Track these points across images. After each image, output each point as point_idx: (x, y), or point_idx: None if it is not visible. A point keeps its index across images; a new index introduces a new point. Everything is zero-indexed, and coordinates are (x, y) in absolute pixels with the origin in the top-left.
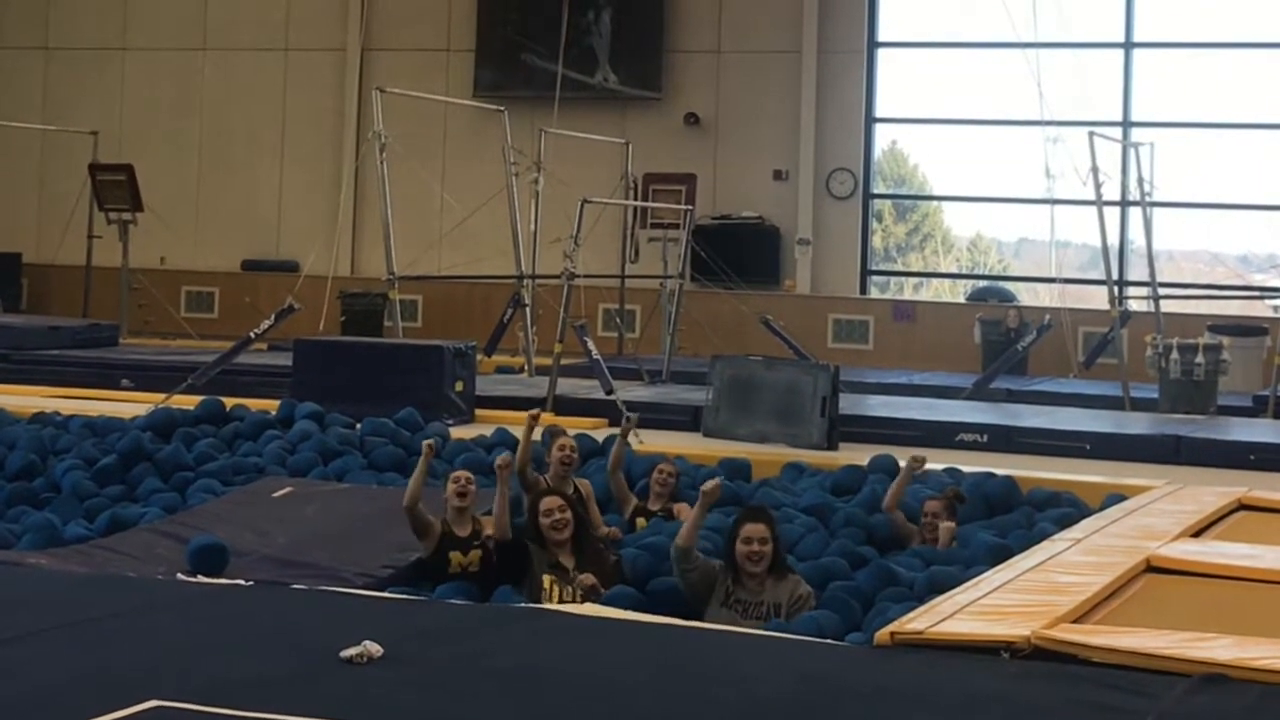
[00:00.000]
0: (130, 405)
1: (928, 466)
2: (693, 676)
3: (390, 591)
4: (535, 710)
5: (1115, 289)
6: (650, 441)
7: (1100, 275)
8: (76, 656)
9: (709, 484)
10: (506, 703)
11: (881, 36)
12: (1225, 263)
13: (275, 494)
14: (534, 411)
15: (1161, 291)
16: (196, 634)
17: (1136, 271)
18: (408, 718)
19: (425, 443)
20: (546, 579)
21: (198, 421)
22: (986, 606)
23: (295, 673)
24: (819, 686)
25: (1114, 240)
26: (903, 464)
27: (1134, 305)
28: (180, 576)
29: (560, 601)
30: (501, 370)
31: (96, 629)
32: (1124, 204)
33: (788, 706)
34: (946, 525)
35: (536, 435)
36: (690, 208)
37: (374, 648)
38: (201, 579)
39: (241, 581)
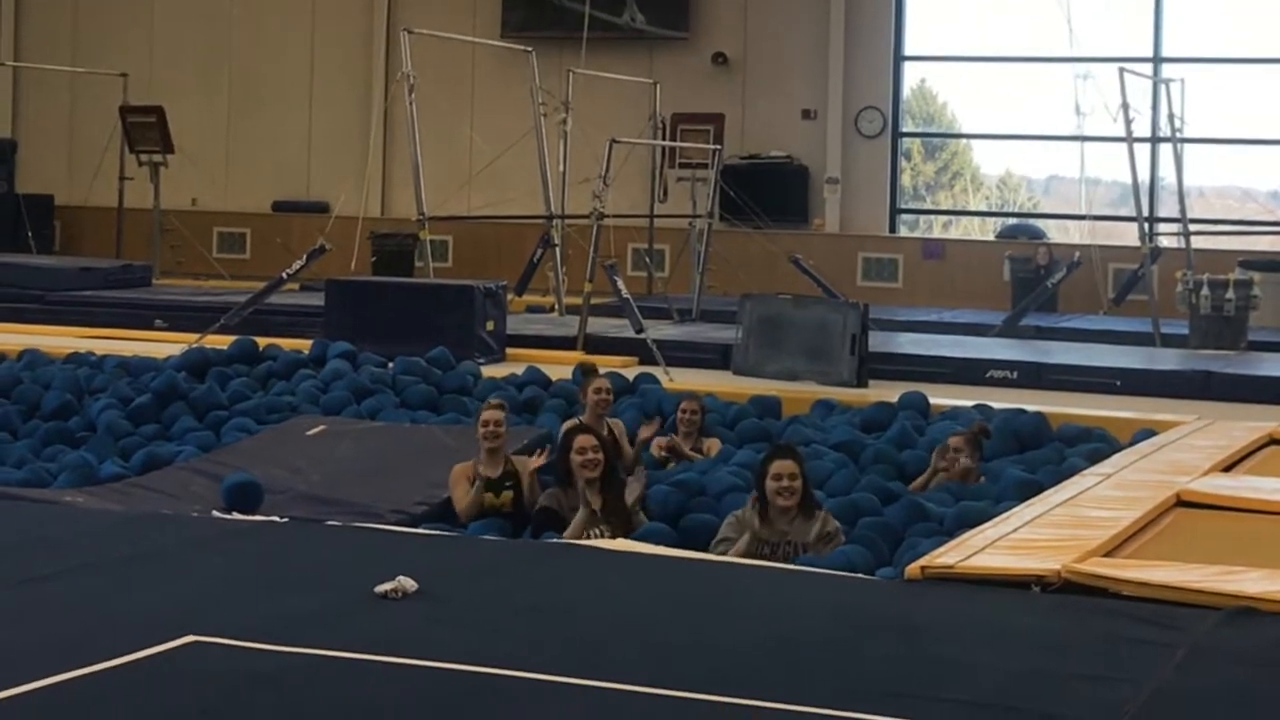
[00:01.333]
0: (164, 345)
1: (956, 403)
2: (724, 611)
3: (424, 528)
4: (568, 644)
5: (1146, 225)
6: (680, 380)
7: (1130, 212)
8: (113, 593)
9: None
10: (540, 637)
11: None
12: (1256, 198)
13: (309, 432)
14: None
15: (1192, 228)
16: (232, 571)
17: (1167, 208)
18: (442, 652)
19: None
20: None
21: (231, 361)
22: (1017, 541)
23: (330, 608)
24: (850, 620)
25: (1144, 177)
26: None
27: (1164, 242)
28: (215, 514)
29: None
30: (532, 310)
31: (133, 566)
32: (1154, 140)
33: (819, 640)
34: (964, 465)
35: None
36: (719, 147)
37: (408, 583)
38: (237, 516)
39: (276, 518)
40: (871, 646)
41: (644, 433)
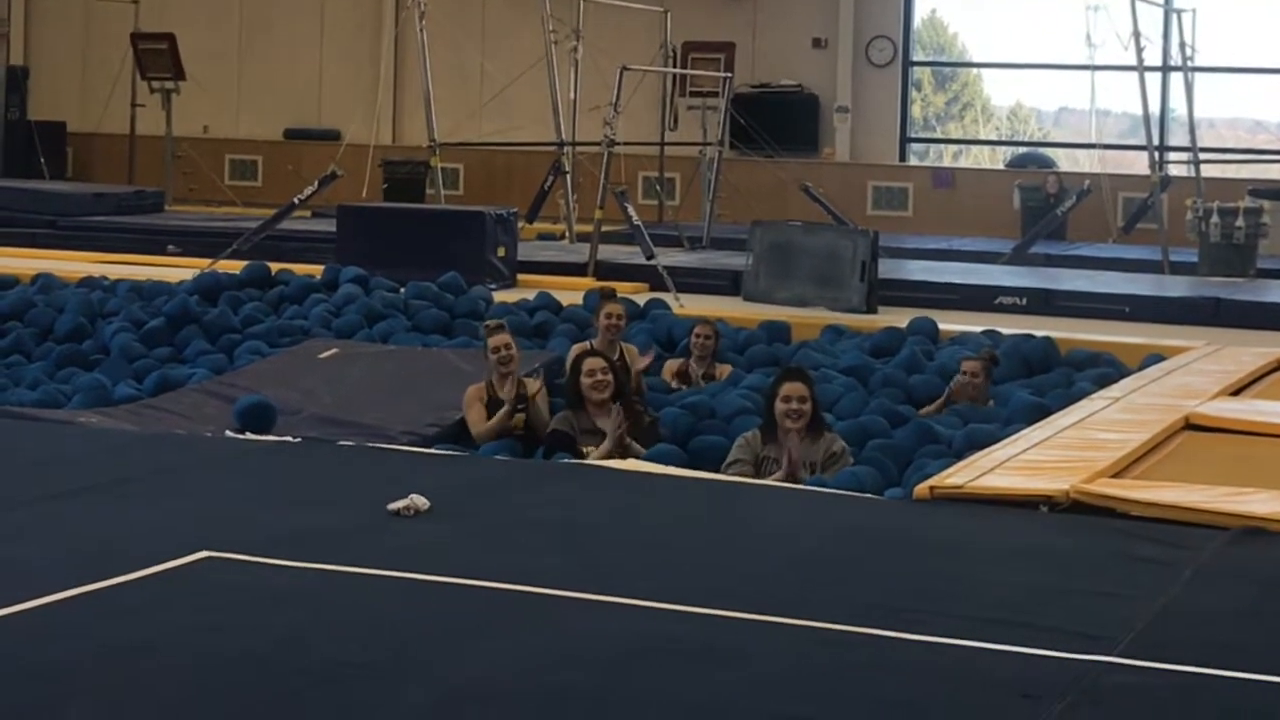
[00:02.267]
0: (176, 270)
1: (965, 329)
2: (734, 528)
3: (436, 449)
4: (579, 560)
5: (1156, 154)
6: (691, 306)
7: (1140, 143)
8: (128, 510)
9: None
10: (551, 553)
11: None
12: (1267, 128)
13: (321, 355)
14: None
15: (1202, 156)
16: (246, 489)
17: (1177, 139)
18: (455, 568)
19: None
20: (586, 447)
21: (243, 285)
22: (1025, 462)
23: (343, 526)
24: (858, 538)
25: (1155, 107)
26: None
27: (1174, 171)
28: (229, 434)
29: None
30: (543, 237)
31: (147, 484)
32: (1165, 69)
33: (828, 557)
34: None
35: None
36: (729, 76)
37: (421, 501)
38: (250, 437)
39: (289, 439)
40: (879, 564)
41: (640, 363)
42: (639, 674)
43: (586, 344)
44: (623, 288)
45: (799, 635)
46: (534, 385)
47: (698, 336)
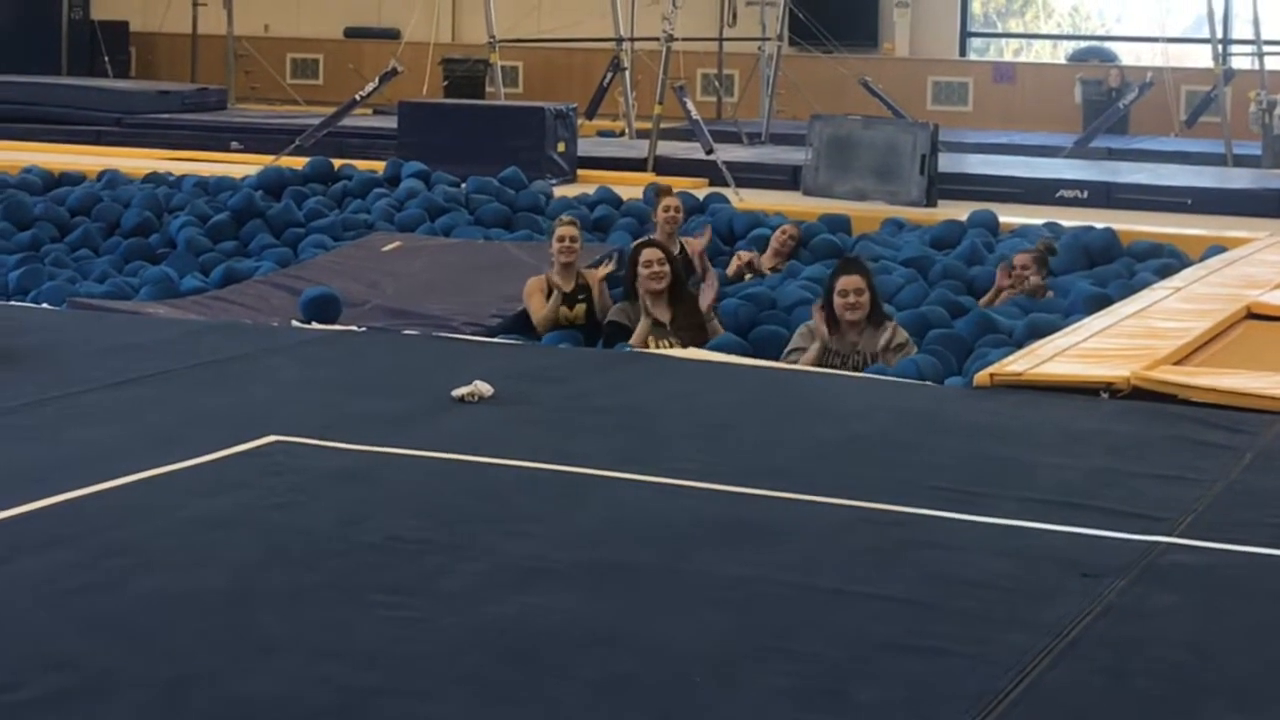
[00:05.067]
0: (240, 166)
1: (1026, 221)
2: (796, 414)
3: (499, 339)
4: (641, 444)
5: (1219, 47)
6: (750, 200)
7: (1203, 37)
8: (197, 396)
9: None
10: (613, 437)
11: None
12: None
13: (385, 248)
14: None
15: (1266, 49)
16: (312, 375)
17: (1241, 32)
18: (518, 451)
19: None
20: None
21: (307, 180)
22: (1086, 350)
23: (408, 410)
24: (919, 424)
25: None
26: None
27: (1238, 63)
28: (295, 324)
29: None
30: (602, 134)
31: (216, 371)
32: None
33: (887, 441)
34: (1033, 283)
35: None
36: None
37: (484, 387)
38: (316, 326)
39: (354, 328)
40: (938, 447)
41: (695, 245)
42: (694, 552)
43: (647, 237)
44: (682, 182)
45: (857, 515)
46: (600, 271)
47: (782, 233)
